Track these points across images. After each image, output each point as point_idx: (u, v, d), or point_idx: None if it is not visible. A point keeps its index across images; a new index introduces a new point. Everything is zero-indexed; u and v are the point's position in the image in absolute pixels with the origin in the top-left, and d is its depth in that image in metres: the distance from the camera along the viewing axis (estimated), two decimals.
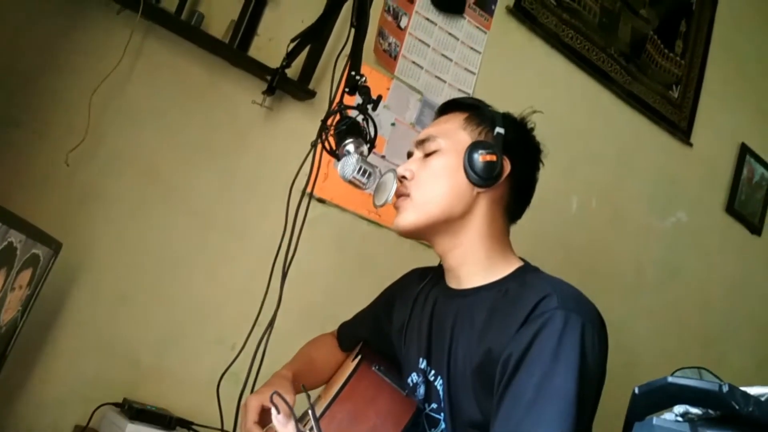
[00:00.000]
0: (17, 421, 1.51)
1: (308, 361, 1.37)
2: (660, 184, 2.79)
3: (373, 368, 1.17)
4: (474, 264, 1.14)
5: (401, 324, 1.26)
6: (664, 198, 2.81)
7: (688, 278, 2.87)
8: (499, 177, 1.12)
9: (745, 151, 3.07)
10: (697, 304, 2.89)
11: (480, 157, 1.10)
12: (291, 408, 0.89)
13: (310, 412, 0.89)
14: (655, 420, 0.81)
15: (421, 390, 1.17)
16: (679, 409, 0.90)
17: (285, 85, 1.80)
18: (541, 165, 1.22)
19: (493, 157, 1.10)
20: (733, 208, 3.03)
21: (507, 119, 1.18)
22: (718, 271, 3.00)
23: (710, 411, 0.88)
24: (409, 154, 1.23)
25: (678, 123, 2.81)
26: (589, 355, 0.95)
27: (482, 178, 1.10)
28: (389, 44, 2.04)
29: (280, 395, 0.98)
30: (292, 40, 1.72)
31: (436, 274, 1.26)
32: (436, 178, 1.14)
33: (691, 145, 2.86)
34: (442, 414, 1.11)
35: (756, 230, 3.16)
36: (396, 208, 1.18)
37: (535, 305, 0.99)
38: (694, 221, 2.90)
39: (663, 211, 2.81)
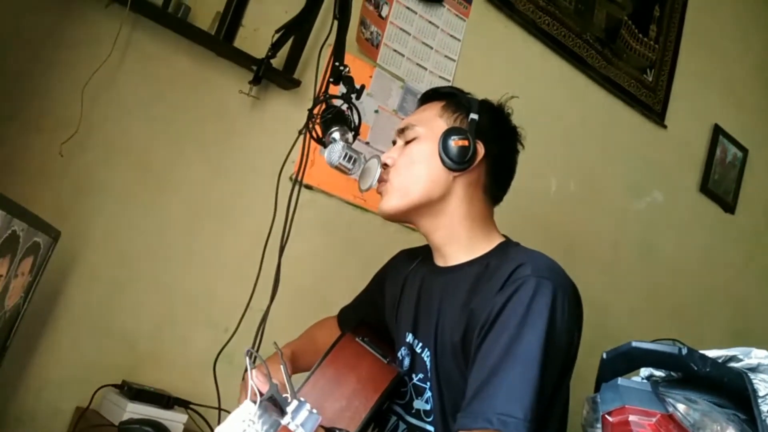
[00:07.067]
0: (20, 403, 1.56)
1: (310, 340, 1.46)
2: (636, 166, 2.86)
3: (357, 339, 1.26)
4: (457, 242, 1.21)
5: (393, 303, 1.34)
6: (639, 179, 2.89)
7: (663, 256, 2.95)
8: (473, 161, 1.18)
9: (718, 132, 3.15)
10: (672, 281, 2.98)
11: (453, 143, 1.17)
12: (267, 367, 0.94)
13: (282, 367, 0.93)
14: (620, 380, 0.88)
15: (407, 361, 1.24)
16: (644, 372, 0.98)
17: (271, 75, 1.85)
18: (520, 148, 1.29)
19: (465, 142, 1.17)
20: (707, 188, 3.11)
21: (483, 105, 1.25)
22: (692, 249, 3.09)
23: (672, 373, 0.96)
24: (394, 143, 1.29)
25: (652, 106, 2.88)
26: (558, 321, 1.02)
27: (456, 163, 1.17)
28: (371, 33, 2.09)
29: (257, 355, 1.01)
30: (277, 31, 1.76)
31: (424, 253, 1.32)
32: (413, 163, 1.21)
33: (665, 127, 2.93)
34: (428, 383, 1.18)
35: (729, 209, 3.25)
36: (379, 193, 1.25)
37: (510, 273, 1.06)
38: (669, 201, 2.98)
39: (639, 192, 2.89)
